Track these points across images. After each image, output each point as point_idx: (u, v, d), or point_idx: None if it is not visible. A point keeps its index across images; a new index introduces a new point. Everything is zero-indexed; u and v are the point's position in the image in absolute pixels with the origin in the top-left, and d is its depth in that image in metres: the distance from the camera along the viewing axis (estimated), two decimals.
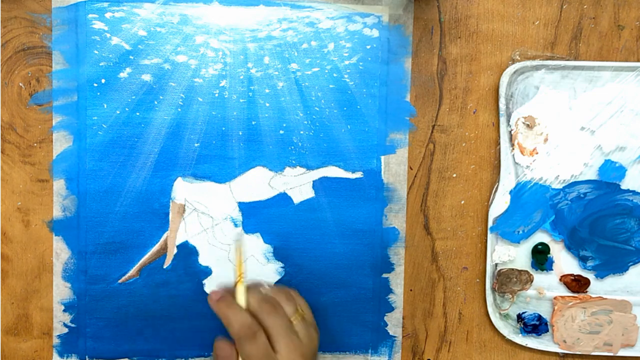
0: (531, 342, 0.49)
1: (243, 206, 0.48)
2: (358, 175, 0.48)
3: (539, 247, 0.49)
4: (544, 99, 0.48)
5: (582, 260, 0.49)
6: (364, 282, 0.49)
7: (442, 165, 0.49)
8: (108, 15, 0.46)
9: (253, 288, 0.44)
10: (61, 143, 0.47)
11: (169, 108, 0.47)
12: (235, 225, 0.48)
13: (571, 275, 0.49)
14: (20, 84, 0.47)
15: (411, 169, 0.49)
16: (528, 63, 0.47)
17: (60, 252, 0.48)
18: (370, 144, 0.48)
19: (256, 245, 0.48)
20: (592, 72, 0.47)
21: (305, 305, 0.45)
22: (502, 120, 0.48)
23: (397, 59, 0.48)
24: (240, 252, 0.46)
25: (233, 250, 0.48)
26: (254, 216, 0.48)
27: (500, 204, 0.48)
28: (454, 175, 0.49)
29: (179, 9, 0.46)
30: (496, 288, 0.49)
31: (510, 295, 0.49)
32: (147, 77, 0.47)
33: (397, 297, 0.49)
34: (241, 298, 0.43)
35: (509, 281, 0.49)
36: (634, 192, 0.48)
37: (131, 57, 0.46)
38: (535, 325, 0.49)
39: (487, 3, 0.48)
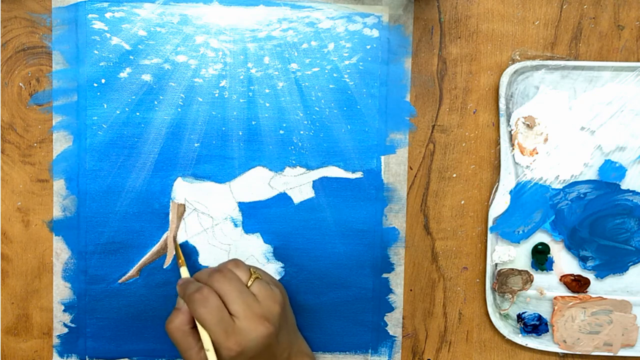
0: (531, 342, 0.49)
1: (243, 206, 0.48)
2: (358, 175, 0.48)
3: (539, 247, 0.49)
4: (544, 99, 0.48)
5: (582, 260, 0.49)
6: (364, 282, 0.49)
7: (442, 165, 0.49)
8: (108, 15, 0.46)
9: (203, 270, 0.45)
10: (61, 143, 0.47)
11: (169, 108, 0.47)
12: (235, 226, 0.48)
13: (571, 275, 0.49)
14: (20, 84, 0.47)
15: (411, 169, 0.49)
16: (528, 63, 0.47)
17: (60, 252, 0.48)
18: (370, 144, 0.48)
19: (256, 245, 0.48)
20: (592, 72, 0.47)
21: (258, 269, 0.45)
22: (502, 120, 0.48)
23: (397, 59, 0.48)
24: (177, 243, 0.47)
25: (170, 240, 0.48)
26: (254, 216, 0.48)
27: (500, 204, 0.48)
28: (454, 175, 0.49)
29: (179, 9, 0.47)
30: (496, 288, 0.49)
31: (510, 295, 0.49)
32: (147, 77, 0.47)
33: (397, 297, 0.49)
34: (186, 275, 0.45)
35: (509, 281, 0.49)
36: (634, 192, 0.48)
37: (131, 57, 0.46)
38: (535, 325, 0.49)
39: (487, 3, 0.48)
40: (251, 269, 0.43)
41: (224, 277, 0.41)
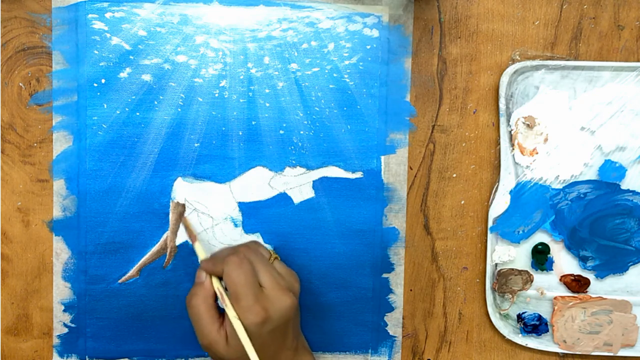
0: (531, 342, 0.49)
1: (243, 206, 0.48)
2: (358, 175, 0.48)
3: (539, 247, 0.49)
4: (544, 99, 0.48)
5: (582, 260, 0.49)
6: (364, 282, 0.49)
7: (442, 165, 0.49)
8: (108, 15, 0.46)
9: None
10: (61, 143, 0.47)
11: (169, 108, 0.47)
12: (235, 226, 0.48)
13: (571, 275, 0.49)
14: (20, 84, 0.47)
15: (411, 169, 0.49)
16: (528, 63, 0.47)
17: (60, 252, 0.48)
18: (370, 144, 0.48)
19: None
20: (592, 72, 0.47)
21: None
22: (502, 120, 0.48)
23: (397, 59, 0.48)
24: (186, 220, 0.47)
25: (174, 219, 0.48)
26: (254, 216, 0.48)
27: (500, 204, 0.48)
28: (454, 175, 0.49)
29: (179, 9, 0.47)
30: (496, 288, 0.49)
31: (510, 295, 0.49)
32: (147, 77, 0.47)
33: (397, 297, 0.49)
34: (202, 252, 0.44)
35: (509, 281, 0.49)
36: (634, 192, 0.48)
37: (131, 57, 0.46)
38: (535, 325, 0.49)
39: (487, 3, 0.48)
40: (270, 250, 0.44)
41: (249, 250, 0.42)
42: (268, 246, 0.48)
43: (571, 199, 0.48)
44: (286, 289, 0.41)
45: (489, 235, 0.48)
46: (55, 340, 0.48)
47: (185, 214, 0.48)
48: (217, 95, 0.47)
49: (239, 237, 0.48)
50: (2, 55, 0.46)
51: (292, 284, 0.42)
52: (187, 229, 0.47)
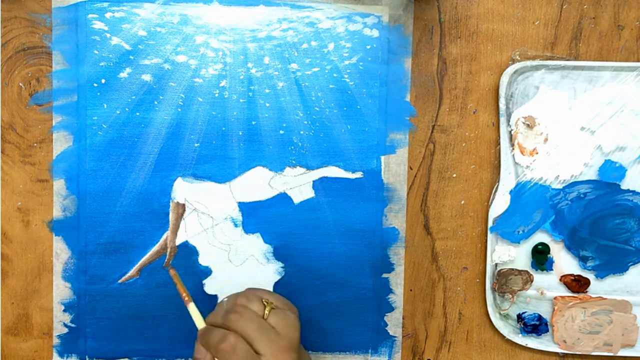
0: (531, 342, 0.49)
1: (243, 206, 0.48)
2: (358, 175, 0.48)
3: (539, 247, 0.49)
4: (544, 99, 0.48)
5: (582, 260, 0.49)
6: (364, 282, 0.49)
7: (442, 165, 0.49)
8: (108, 15, 0.46)
9: (214, 310, 0.43)
10: (61, 143, 0.47)
11: (169, 108, 0.47)
12: (235, 226, 0.48)
13: (571, 275, 0.49)
14: (20, 84, 0.47)
15: (411, 169, 0.49)
16: (528, 63, 0.47)
17: (60, 252, 0.48)
18: (370, 144, 0.48)
19: (256, 245, 0.48)
20: (592, 72, 0.47)
21: (270, 294, 0.43)
22: (502, 120, 0.48)
23: (397, 59, 0.48)
24: (176, 276, 0.45)
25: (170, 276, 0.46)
26: (254, 216, 0.48)
27: (500, 204, 0.48)
28: (454, 175, 0.49)
29: (179, 9, 0.47)
30: (496, 288, 0.49)
31: (510, 295, 0.49)
32: (147, 77, 0.47)
33: (397, 297, 0.49)
34: (197, 316, 0.42)
35: (509, 281, 0.49)
36: (634, 192, 0.48)
37: (131, 57, 0.46)
38: (535, 325, 0.49)
39: (487, 3, 0.48)
40: (263, 300, 0.42)
41: (241, 317, 0.40)
42: (266, 244, 0.48)
43: (571, 199, 0.48)
44: (286, 349, 0.39)
45: (489, 235, 0.48)
46: (55, 340, 0.48)
47: (185, 215, 0.48)
48: (217, 95, 0.47)
49: (239, 237, 0.48)
50: (2, 55, 0.46)
51: (290, 336, 0.40)
52: (179, 289, 0.44)
